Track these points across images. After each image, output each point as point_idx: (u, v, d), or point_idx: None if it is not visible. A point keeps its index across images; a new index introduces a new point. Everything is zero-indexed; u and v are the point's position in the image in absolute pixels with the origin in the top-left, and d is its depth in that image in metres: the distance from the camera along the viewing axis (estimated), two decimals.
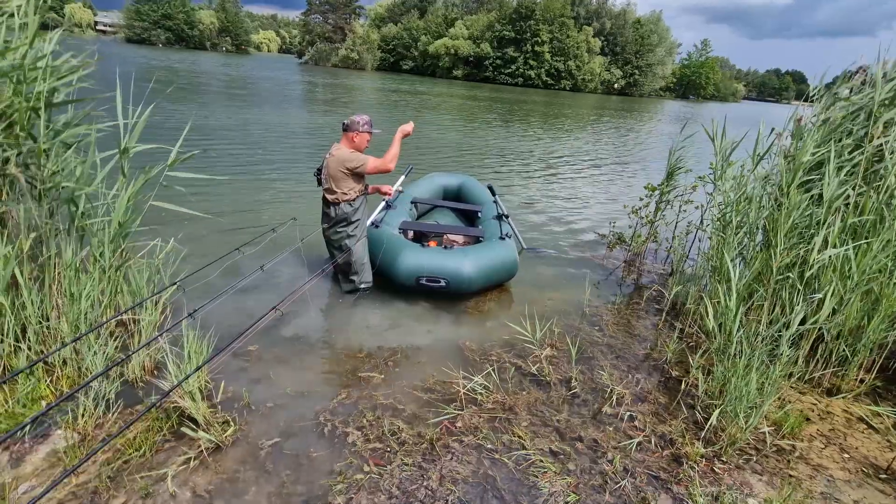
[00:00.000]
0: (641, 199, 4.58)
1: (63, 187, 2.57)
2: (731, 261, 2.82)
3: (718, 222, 3.39)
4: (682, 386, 2.74)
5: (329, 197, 3.30)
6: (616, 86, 62.45)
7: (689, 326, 3.42)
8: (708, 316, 2.78)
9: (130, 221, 2.68)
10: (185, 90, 16.86)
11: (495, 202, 4.48)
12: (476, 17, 59.44)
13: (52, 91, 2.64)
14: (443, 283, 3.34)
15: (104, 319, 2.40)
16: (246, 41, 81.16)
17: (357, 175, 3.24)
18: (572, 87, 58.34)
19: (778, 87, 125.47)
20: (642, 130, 18.84)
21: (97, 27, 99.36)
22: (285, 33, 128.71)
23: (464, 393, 2.52)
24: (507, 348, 3.00)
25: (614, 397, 2.60)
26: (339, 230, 3.35)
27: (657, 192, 4.51)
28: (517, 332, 3.04)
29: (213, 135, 9.24)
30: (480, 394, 2.53)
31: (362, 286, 3.49)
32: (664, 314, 3.59)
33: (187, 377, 1.99)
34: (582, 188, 7.96)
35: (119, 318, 2.61)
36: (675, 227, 4.84)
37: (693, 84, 74.95)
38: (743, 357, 2.43)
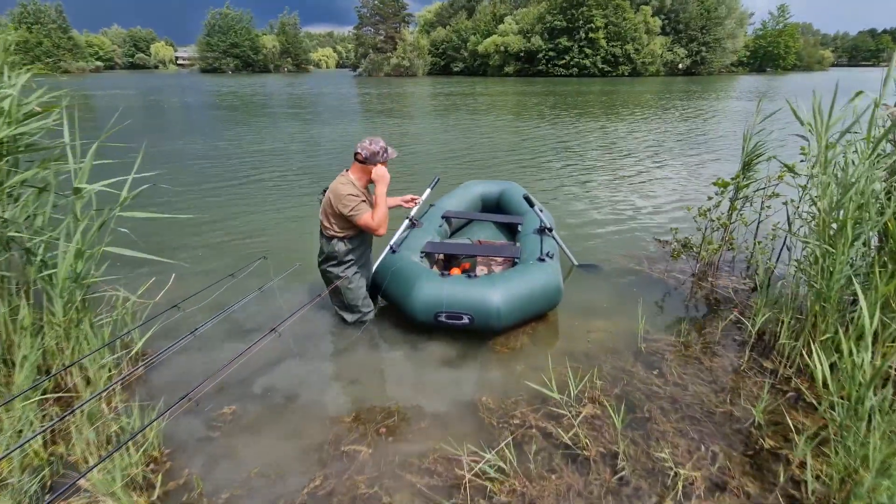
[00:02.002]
0: (710, 199, 3.71)
1: (12, 236, 2.29)
2: (858, 288, 2.01)
3: (820, 226, 2.53)
4: (781, 468, 1.96)
5: (323, 230, 2.91)
6: (680, 66, 58.33)
7: (785, 367, 2.58)
8: (815, 362, 1.99)
9: (85, 270, 2.35)
10: (243, 111, 17.48)
11: (536, 213, 3.76)
12: (525, 11, 57.93)
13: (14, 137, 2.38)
14: (466, 320, 2.76)
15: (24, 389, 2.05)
16: (305, 60, 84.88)
17: (348, 220, 2.81)
18: (632, 72, 55.17)
19: (874, 48, 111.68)
20: (711, 112, 17.04)
21: (177, 62, 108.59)
22: (341, 48, 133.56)
23: (469, 478, 1.92)
24: (535, 405, 2.36)
25: (679, 485, 1.89)
26: (328, 269, 2.95)
27: (731, 188, 3.63)
28: (550, 381, 2.39)
29: (234, 159, 9.23)
30: (492, 479, 1.93)
31: (364, 321, 3.10)
32: (748, 350, 2.77)
33: (91, 468, 1.56)
34: (641, 186, 7.01)
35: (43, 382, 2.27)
36: (757, 229, 3.93)
37: (770, 55, 68.42)
38: (880, 433, 1.64)
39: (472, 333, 2.92)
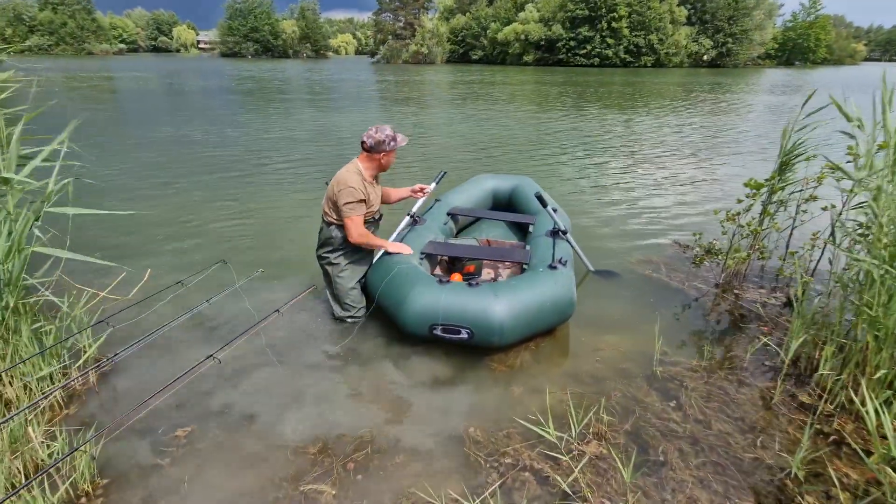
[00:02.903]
0: (741, 201, 3.31)
1: None
2: None
3: (877, 241, 2.14)
4: None
5: (323, 215, 2.83)
6: (705, 57, 56.53)
7: (826, 403, 2.22)
8: (865, 403, 1.64)
9: (20, 272, 2.08)
10: (259, 97, 17.26)
11: (550, 213, 3.34)
12: None
13: None
14: (464, 335, 2.43)
15: None
16: (325, 46, 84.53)
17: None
18: (654, 63, 53.66)
19: None
20: (738, 107, 16.31)
21: (199, 45, 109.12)
22: (360, 35, 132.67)
23: None
24: (531, 440, 2.04)
25: None
26: (323, 254, 2.83)
27: (764, 191, 3.23)
28: (549, 410, 2.07)
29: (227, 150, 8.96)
30: None
31: (348, 320, 2.88)
32: (780, 380, 2.40)
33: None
34: (661, 184, 6.58)
35: None
36: (790, 237, 3.53)
37: (799, 48, 65.96)
38: None
39: (469, 347, 2.60)
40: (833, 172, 2.83)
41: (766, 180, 3.26)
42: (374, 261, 2.94)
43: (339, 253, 2.83)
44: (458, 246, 3.23)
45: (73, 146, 2.44)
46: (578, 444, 1.99)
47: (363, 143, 2.69)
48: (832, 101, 2.72)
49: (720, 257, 3.57)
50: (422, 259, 2.99)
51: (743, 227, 3.30)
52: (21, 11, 67.44)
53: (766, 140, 9.73)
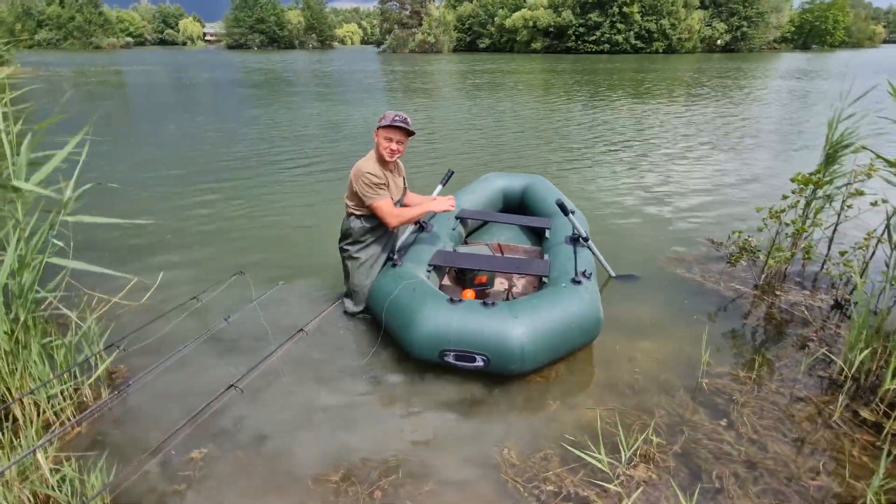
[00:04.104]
0: (786, 197, 3.10)
1: None
2: None
3: None
4: None
5: (345, 206, 2.77)
6: (719, 42, 55.32)
7: (894, 422, 2.04)
8: None
9: (31, 285, 1.95)
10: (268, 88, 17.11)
11: (570, 220, 3.03)
12: None
13: None
14: (480, 363, 2.21)
15: None
16: (330, 36, 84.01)
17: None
18: (666, 49, 52.62)
19: None
20: (760, 94, 15.86)
21: (205, 38, 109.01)
22: (366, 24, 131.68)
23: None
24: (572, 464, 1.88)
25: None
26: (344, 246, 2.75)
27: (810, 187, 3.02)
28: (591, 429, 1.92)
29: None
30: None
31: (359, 316, 2.84)
32: (841, 395, 2.21)
33: None
34: (684, 177, 6.34)
35: None
36: (833, 234, 3.32)
37: (817, 31, 64.24)
38: None
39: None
40: (888, 165, 2.63)
41: (812, 174, 3.04)
42: (378, 274, 2.74)
43: (359, 246, 2.73)
44: (470, 256, 2.96)
45: (89, 143, 2.30)
46: (625, 468, 1.83)
47: None
48: (891, 86, 2.50)
49: (759, 256, 3.37)
50: (429, 271, 2.76)
51: (788, 224, 3.09)
52: (29, 6, 67.65)
53: (794, 128, 9.40)
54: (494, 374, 2.29)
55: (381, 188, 2.58)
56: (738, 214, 4.67)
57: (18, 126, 1.99)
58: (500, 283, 3.08)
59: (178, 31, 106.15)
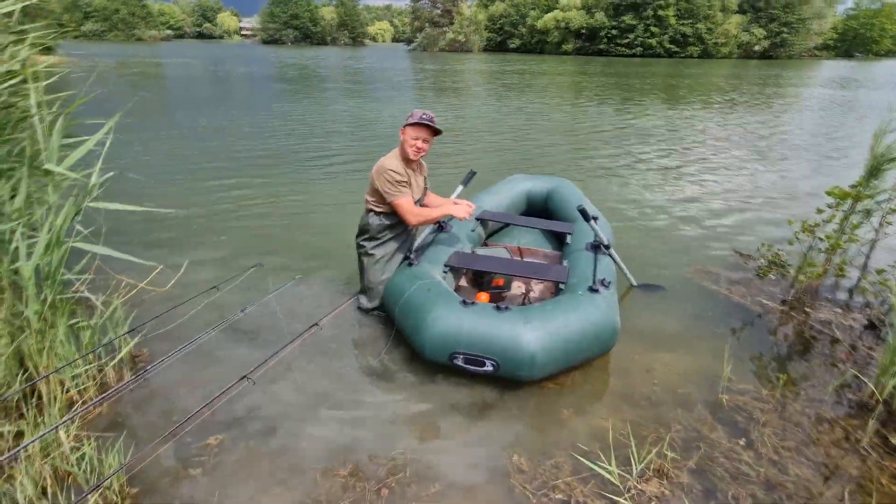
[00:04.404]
0: (821, 211, 2.98)
1: None
2: None
3: None
4: None
5: (365, 202, 2.78)
6: (757, 48, 53.65)
7: None
8: None
9: (57, 267, 2.02)
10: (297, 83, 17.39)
11: (592, 226, 2.95)
12: None
13: None
14: (489, 367, 2.19)
15: None
16: (362, 33, 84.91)
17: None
18: (701, 54, 51.37)
19: None
20: (800, 103, 15.33)
21: (241, 32, 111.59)
22: (398, 22, 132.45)
23: None
24: (583, 473, 1.85)
25: None
26: (361, 241, 2.76)
27: (849, 201, 2.89)
28: (604, 439, 1.88)
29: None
30: None
31: (374, 312, 2.87)
32: (871, 421, 2.11)
33: None
34: (715, 186, 6.18)
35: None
36: (870, 251, 3.18)
37: (862, 39, 61.70)
38: None
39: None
40: None
41: (852, 187, 2.92)
42: (393, 273, 2.74)
43: (376, 243, 2.74)
44: (487, 259, 2.92)
45: (118, 135, 2.36)
46: (637, 481, 1.79)
47: None
48: None
49: (789, 270, 3.25)
50: (445, 272, 2.74)
51: (822, 239, 2.97)
52: None
53: (836, 140, 9.06)
54: (505, 379, 2.26)
55: (402, 185, 2.59)
56: (770, 228, 4.52)
57: (60, 120, 2.07)
58: (517, 288, 3.05)
59: (215, 25, 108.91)
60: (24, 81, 2.09)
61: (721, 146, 8.25)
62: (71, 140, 2.11)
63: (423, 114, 2.56)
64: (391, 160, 2.61)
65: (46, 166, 1.91)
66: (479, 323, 2.19)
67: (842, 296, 3.24)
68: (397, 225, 2.75)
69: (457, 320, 2.21)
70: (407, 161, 2.64)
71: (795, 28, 53.47)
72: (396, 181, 2.56)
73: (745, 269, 3.61)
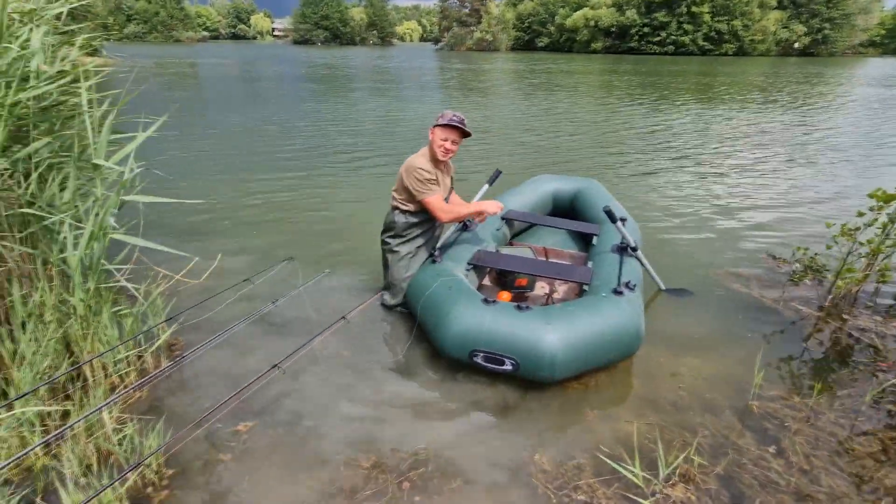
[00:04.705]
0: (862, 214, 2.87)
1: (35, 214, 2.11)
2: None
3: None
4: None
5: (391, 199, 2.81)
6: (797, 45, 51.69)
7: None
8: None
9: (99, 257, 2.12)
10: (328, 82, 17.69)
11: (618, 228, 2.88)
12: None
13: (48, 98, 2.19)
14: (508, 367, 2.18)
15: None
16: (391, 33, 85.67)
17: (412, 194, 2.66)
18: (737, 51, 49.78)
19: None
20: (844, 102, 14.72)
21: (273, 32, 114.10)
22: (426, 22, 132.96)
23: None
24: (606, 475, 1.84)
25: None
26: (386, 238, 2.81)
27: (893, 204, 2.78)
28: (627, 442, 1.87)
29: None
30: None
31: (398, 309, 2.90)
32: None
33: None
34: (750, 188, 6.00)
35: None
36: None
37: None
38: None
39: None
40: None
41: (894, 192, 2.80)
42: (418, 270, 2.77)
43: (401, 240, 2.78)
44: (510, 258, 2.92)
45: (155, 132, 2.47)
46: (663, 485, 1.77)
47: None
48: None
49: (827, 276, 3.14)
50: (468, 270, 2.75)
51: (863, 244, 2.86)
52: (121, 1, 73.26)
53: (881, 142, 8.67)
54: (525, 379, 2.25)
55: (432, 184, 2.62)
56: (806, 231, 4.37)
57: (110, 118, 2.17)
58: (540, 288, 3.04)
59: (249, 27, 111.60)
60: (75, 81, 2.20)
61: (756, 146, 8.00)
62: (115, 136, 2.22)
63: (454, 115, 2.58)
64: (420, 159, 2.65)
65: (95, 161, 2.01)
66: (499, 321, 2.19)
67: (883, 303, 3.11)
68: (423, 223, 2.79)
69: (477, 318, 2.22)
70: (435, 161, 2.67)
71: (839, 24, 51.30)
72: (426, 179, 2.59)
73: (779, 274, 3.51)
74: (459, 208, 2.78)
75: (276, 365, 1.94)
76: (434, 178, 2.64)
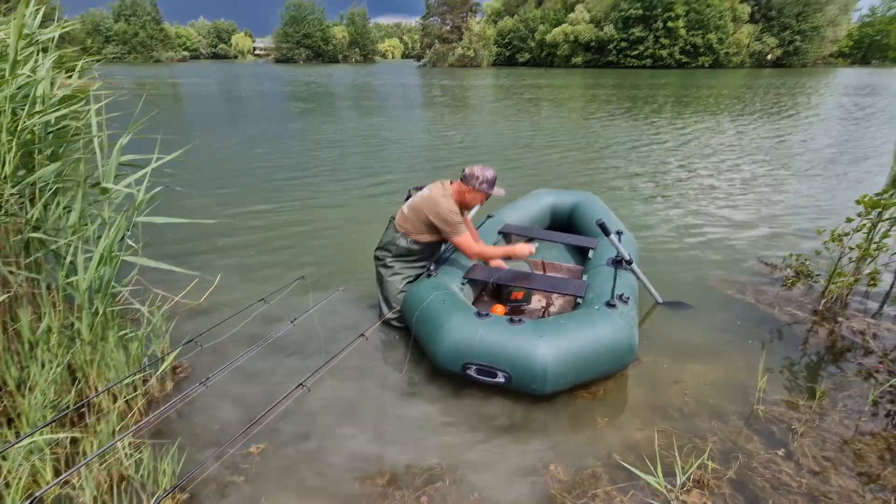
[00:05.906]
0: (851, 220, 2.98)
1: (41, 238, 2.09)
2: None
3: None
4: None
5: (397, 223, 2.82)
6: (769, 57, 53.43)
7: None
8: None
9: (109, 280, 2.11)
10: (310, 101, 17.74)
11: (612, 241, 2.88)
12: None
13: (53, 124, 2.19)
14: (501, 379, 2.19)
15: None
16: (373, 50, 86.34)
17: (438, 232, 2.76)
18: (713, 64, 51.28)
19: None
20: (819, 111, 15.22)
21: (255, 52, 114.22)
22: (408, 39, 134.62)
23: None
24: (621, 483, 1.86)
25: None
26: (380, 255, 2.84)
27: (876, 210, 2.89)
28: (639, 449, 1.89)
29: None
30: None
31: (394, 322, 2.89)
32: None
33: None
34: (735, 197, 6.16)
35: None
36: None
37: (878, 46, 61.10)
38: None
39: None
40: None
41: (877, 195, 2.91)
42: (412, 284, 2.78)
43: (396, 258, 2.83)
44: (504, 272, 2.93)
45: (151, 154, 2.46)
46: (679, 492, 1.79)
47: (463, 170, 2.74)
48: None
49: (818, 280, 3.23)
50: (463, 284, 2.77)
51: (852, 249, 2.96)
52: (99, 23, 72.89)
53: (856, 148, 8.98)
54: (517, 391, 2.27)
55: (460, 225, 2.69)
56: (793, 237, 4.50)
57: (120, 141, 2.17)
58: (537, 302, 3.07)
59: (230, 46, 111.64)
60: (81, 103, 2.20)
61: (741, 157, 8.21)
62: (126, 158, 2.22)
63: (492, 186, 2.70)
64: (448, 201, 2.67)
65: (104, 185, 2.01)
66: (492, 334, 2.21)
67: (874, 305, 3.20)
68: (422, 251, 2.83)
69: (470, 331, 2.24)
70: (454, 198, 2.73)
71: (809, 36, 53.18)
72: (457, 222, 2.66)
73: (772, 280, 3.60)
74: (493, 250, 2.81)
75: (301, 384, 1.92)
76: (461, 219, 2.71)
